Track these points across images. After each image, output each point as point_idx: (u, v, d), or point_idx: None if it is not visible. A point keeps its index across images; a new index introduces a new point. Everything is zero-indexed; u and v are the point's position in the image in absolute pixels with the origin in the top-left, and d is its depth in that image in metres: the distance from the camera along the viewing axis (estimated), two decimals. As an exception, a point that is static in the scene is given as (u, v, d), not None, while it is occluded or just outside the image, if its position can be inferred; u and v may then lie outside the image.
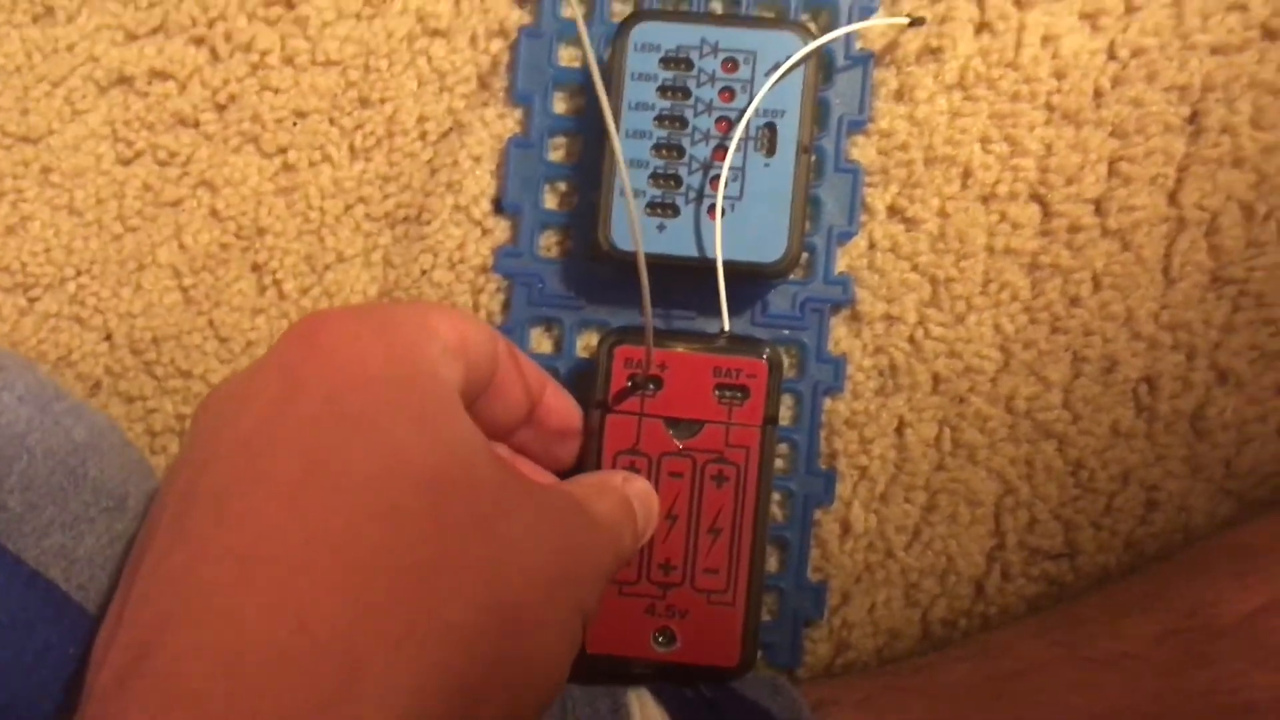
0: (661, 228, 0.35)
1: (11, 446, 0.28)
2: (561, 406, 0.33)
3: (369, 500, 0.23)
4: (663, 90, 0.35)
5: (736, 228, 0.34)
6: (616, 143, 0.31)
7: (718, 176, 0.34)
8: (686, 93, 0.35)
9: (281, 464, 0.23)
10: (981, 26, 0.37)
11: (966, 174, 0.37)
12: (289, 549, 0.22)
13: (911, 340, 0.37)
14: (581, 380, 0.36)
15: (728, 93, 0.35)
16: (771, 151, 0.34)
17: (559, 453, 0.34)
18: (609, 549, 0.29)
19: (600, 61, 0.37)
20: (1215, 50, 0.36)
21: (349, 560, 0.22)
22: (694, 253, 0.35)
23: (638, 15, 0.35)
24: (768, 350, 0.34)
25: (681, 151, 0.35)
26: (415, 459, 0.24)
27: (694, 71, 0.35)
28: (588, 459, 0.34)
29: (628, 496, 0.31)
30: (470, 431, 0.26)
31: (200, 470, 0.24)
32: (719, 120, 0.35)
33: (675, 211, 0.35)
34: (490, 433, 0.30)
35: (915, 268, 0.37)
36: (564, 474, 0.34)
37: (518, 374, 0.31)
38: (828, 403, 0.37)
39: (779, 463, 0.36)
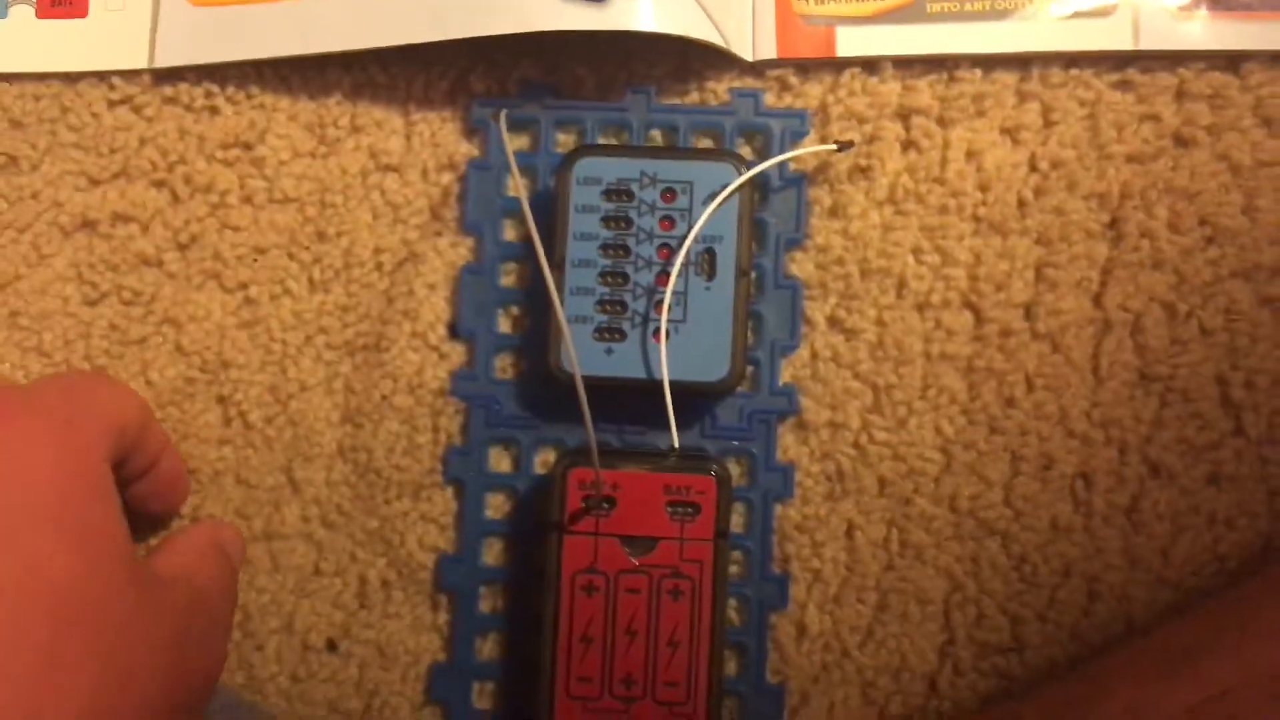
0: (610, 351, 0.36)
1: None
2: (174, 462, 0.37)
3: None
4: (606, 220, 0.36)
5: (681, 349, 0.36)
6: (550, 280, 0.33)
7: (661, 301, 0.36)
8: (629, 222, 0.36)
9: None
10: (908, 145, 0.39)
11: (901, 284, 0.38)
12: None
13: (857, 446, 0.38)
14: (541, 497, 0.38)
15: (668, 221, 0.36)
16: (712, 275, 0.36)
17: (171, 500, 0.37)
18: (221, 615, 0.33)
19: (545, 192, 0.38)
20: (1131, 159, 0.38)
21: None
22: (642, 374, 0.36)
23: (580, 151, 0.37)
24: (715, 467, 0.35)
25: (626, 278, 0.36)
26: (49, 573, 0.26)
27: (635, 202, 0.36)
28: (547, 579, 0.35)
29: (222, 548, 0.35)
30: (112, 538, 0.29)
31: None
32: (660, 247, 0.36)
33: (622, 336, 0.36)
34: (124, 482, 0.34)
35: (857, 376, 0.38)
36: (172, 516, 0.39)
37: (155, 434, 0.35)
38: (778, 509, 0.38)
39: (734, 569, 0.38)
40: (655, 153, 0.37)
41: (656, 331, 0.36)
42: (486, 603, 0.38)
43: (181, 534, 0.36)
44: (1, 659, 0.24)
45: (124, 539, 0.30)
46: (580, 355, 0.36)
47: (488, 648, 0.38)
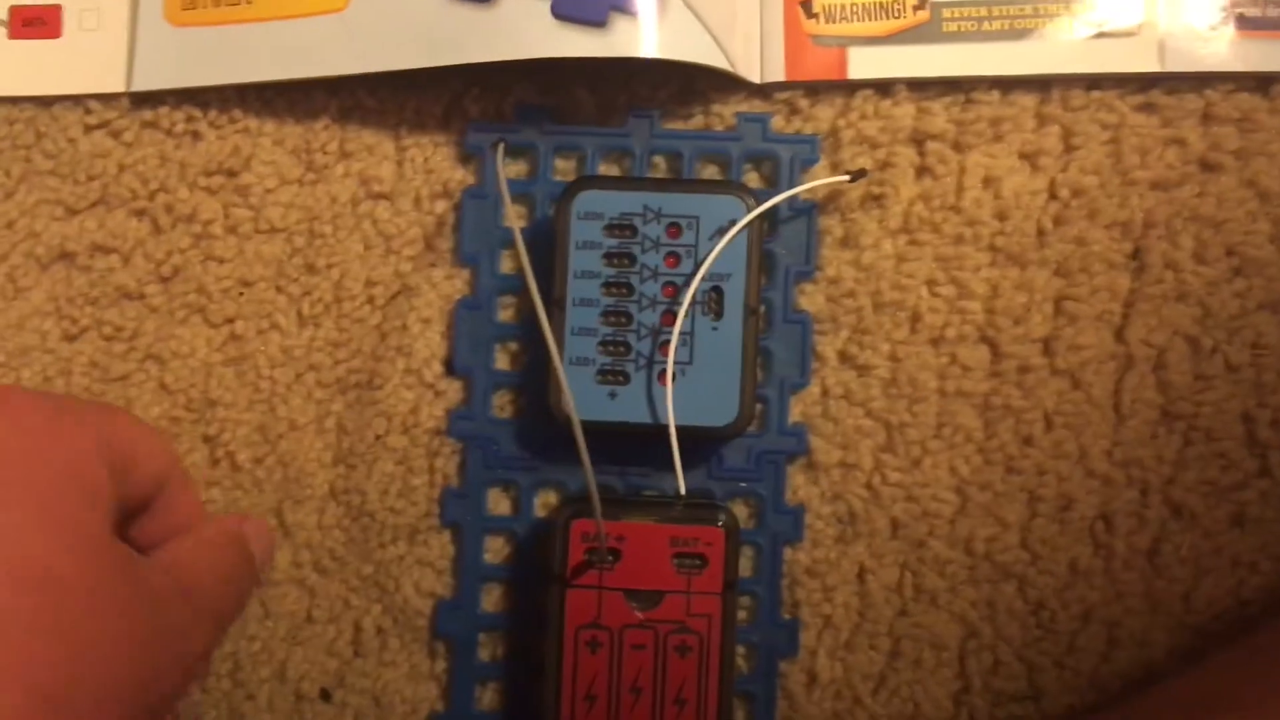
0: (613, 395, 0.35)
1: None
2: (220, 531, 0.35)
3: None
4: (608, 257, 0.35)
5: (687, 393, 0.34)
6: (547, 328, 0.31)
7: (667, 342, 0.34)
8: (632, 259, 0.35)
9: None
10: (922, 171, 0.37)
11: (915, 318, 0.37)
12: None
13: (869, 486, 0.37)
14: (542, 542, 0.36)
15: (673, 258, 0.35)
16: (719, 314, 0.34)
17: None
18: (212, 607, 0.32)
19: (544, 221, 0.37)
20: (1155, 186, 0.36)
21: None
22: (647, 419, 0.35)
23: (579, 183, 0.35)
24: (724, 516, 0.34)
25: (630, 318, 0.35)
26: (8, 544, 0.26)
27: (638, 238, 0.35)
28: (549, 635, 0.34)
29: (237, 541, 0.34)
30: (83, 519, 0.28)
31: None
32: (665, 285, 0.35)
33: (626, 379, 0.35)
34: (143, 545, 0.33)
35: (869, 414, 0.37)
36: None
37: (182, 500, 0.34)
38: (788, 552, 0.37)
39: (742, 614, 0.36)
40: (659, 185, 0.35)
41: (662, 374, 0.34)
42: (486, 650, 0.37)
43: (199, 524, 0.34)
44: None
45: (100, 520, 0.28)
46: (583, 399, 0.34)
47: (488, 697, 0.37)
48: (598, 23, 0.34)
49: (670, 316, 0.34)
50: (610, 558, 0.34)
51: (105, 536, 0.28)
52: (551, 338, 0.31)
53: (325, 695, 0.37)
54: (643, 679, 0.34)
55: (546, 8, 0.34)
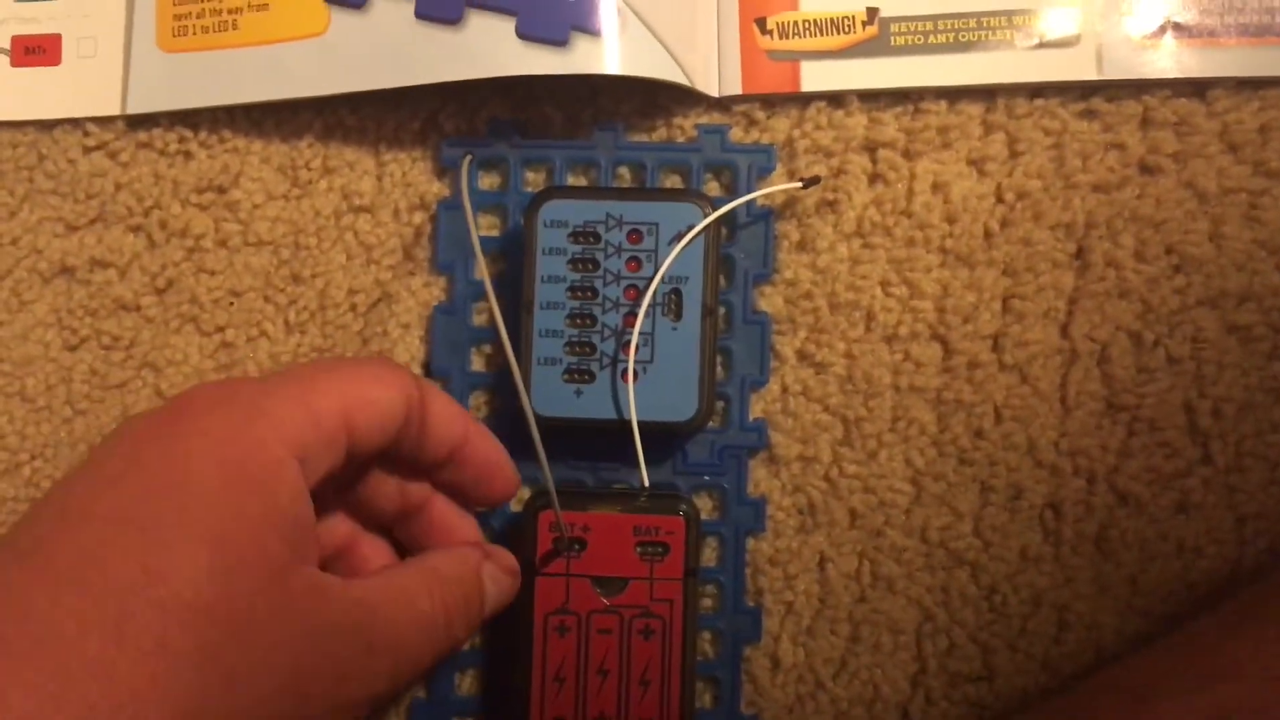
0: (579, 393, 0.36)
1: None
2: (485, 446, 0.35)
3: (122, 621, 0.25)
4: (573, 263, 0.37)
5: (649, 390, 0.36)
6: (504, 331, 0.33)
7: (629, 342, 0.36)
8: (596, 264, 0.37)
9: (62, 551, 0.25)
10: (875, 177, 0.39)
11: (870, 317, 0.38)
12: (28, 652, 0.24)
13: (827, 479, 0.38)
14: (516, 534, 0.38)
15: (634, 262, 0.37)
16: (679, 316, 0.36)
17: (485, 491, 0.35)
18: (395, 648, 0.30)
19: (516, 230, 0.39)
20: (1096, 188, 0.38)
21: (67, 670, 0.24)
22: (612, 415, 0.36)
23: (545, 193, 0.37)
24: (684, 506, 0.36)
25: (594, 320, 0.37)
26: (170, 573, 0.25)
27: (601, 244, 0.37)
28: (520, 620, 0.36)
29: (476, 584, 0.33)
30: (260, 541, 0.27)
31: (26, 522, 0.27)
32: (627, 288, 0.37)
33: (591, 377, 0.36)
34: (410, 473, 0.34)
35: (827, 409, 0.38)
36: (492, 510, 0.38)
37: (440, 416, 0.33)
38: (751, 543, 0.38)
39: (707, 602, 0.38)
40: (621, 194, 0.37)
41: (625, 373, 0.36)
42: (464, 639, 0.39)
43: (430, 553, 0.34)
44: (107, 653, 0.25)
45: (278, 542, 0.27)
46: (551, 397, 0.36)
47: (467, 683, 0.39)
48: (560, 42, 0.36)
49: (632, 318, 0.36)
50: (576, 547, 0.35)
51: (280, 557, 0.27)
52: (508, 340, 0.33)
53: (313, 684, 0.39)
54: (609, 661, 0.35)
55: (512, 29, 0.36)
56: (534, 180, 0.39)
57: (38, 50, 0.40)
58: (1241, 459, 0.37)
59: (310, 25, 0.38)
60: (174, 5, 0.40)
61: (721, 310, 0.38)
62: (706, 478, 0.38)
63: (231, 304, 0.40)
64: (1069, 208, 0.38)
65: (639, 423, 0.36)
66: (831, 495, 0.38)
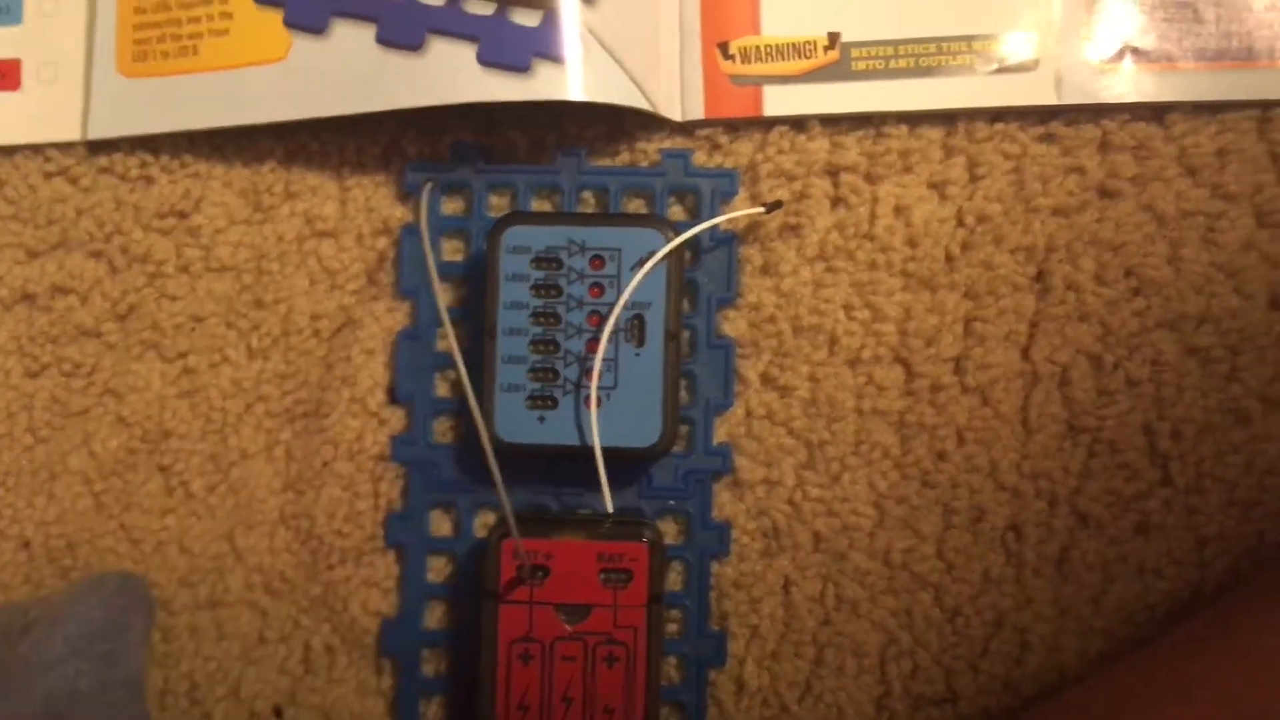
0: (542, 419, 0.36)
1: None
2: None
3: None
4: (536, 289, 0.37)
5: (613, 416, 0.36)
6: (458, 358, 0.33)
7: (592, 368, 0.36)
8: (558, 290, 0.37)
9: None
10: (837, 201, 0.39)
11: (833, 341, 0.39)
12: None
13: (791, 502, 0.39)
14: (480, 560, 0.38)
15: (597, 288, 0.37)
16: (641, 341, 0.36)
17: None
18: None
19: (479, 255, 0.39)
20: (1056, 212, 0.38)
21: None
22: (575, 441, 0.36)
23: (508, 219, 0.37)
24: (648, 533, 0.36)
25: (557, 346, 0.37)
26: None
27: (564, 269, 0.37)
28: (484, 648, 0.36)
29: None
30: None
31: None
32: (590, 314, 0.37)
33: (554, 403, 0.36)
34: None
35: (790, 433, 0.39)
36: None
37: None
38: (715, 566, 0.39)
39: (672, 627, 0.38)
40: (583, 219, 0.37)
41: (588, 399, 0.36)
42: (430, 666, 0.39)
43: None
44: None
45: None
46: (514, 424, 0.36)
47: (432, 710, 0.39)
48: (522, 68, 0.36)
49: (595, 343, 0.36)
50: (540, 574, 0.35)
51: None
52: (464, 370, 0.33)
53: (278, 713, 0.39)
54: (573, 689, 0.35)
55: (473, 55, 0.36)
56: (498, 205, 0.39)
57: (-3, 75, 0.40)
58: (1201, 480, 0.38)
59: (271, 50, 0.38)
60: (134, 30, 0.39)
61: (685, 334, 0.38)
62: (671, 502, 0.38)
63: (194, 330, 0.40)
64: (1029, 231, 0.38)
65: (603, 448, 0.36)
66: (795, 519, 0.38)
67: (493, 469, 0.33)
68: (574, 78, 0.36)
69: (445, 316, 0.34)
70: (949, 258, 0.38)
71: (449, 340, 0.33)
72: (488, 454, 0.33)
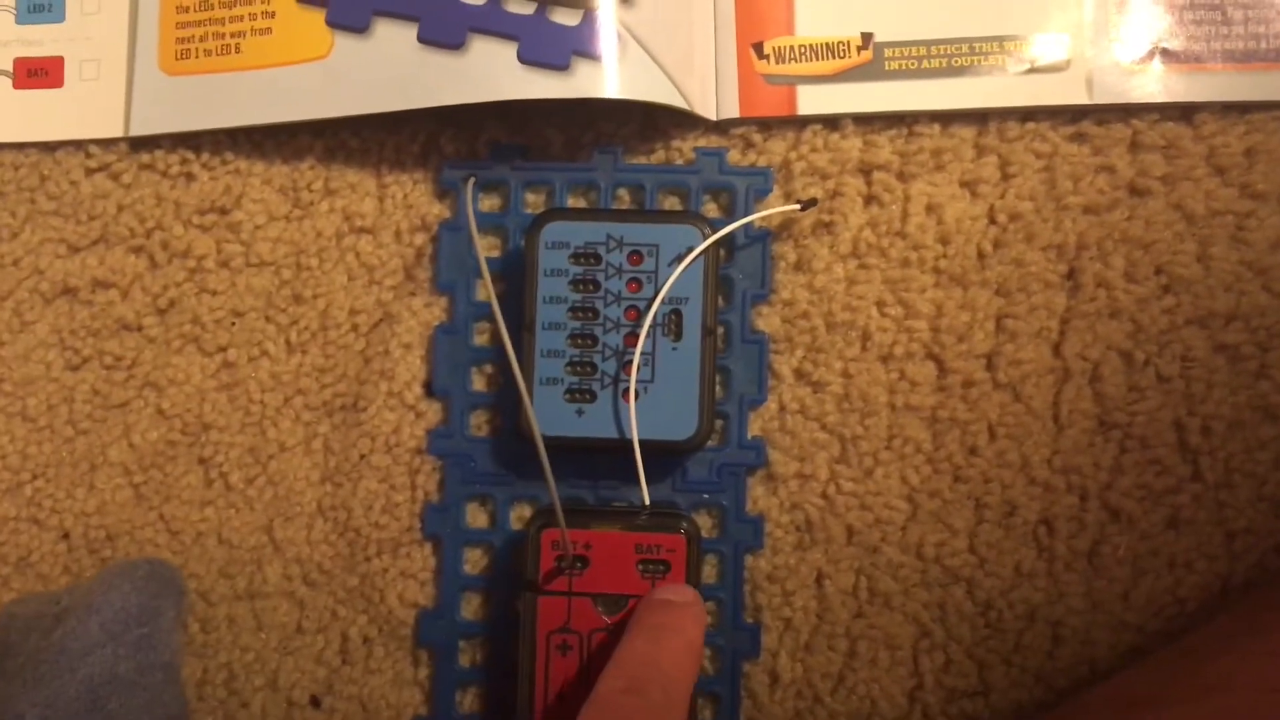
0: (580, 412, 0.37)
1: None
2: None
3: None
4: (574, 284, 0.37)
5: (650, 409, 0.37)
6: (510, 349, 0.33)
7: (630, 362, 0.37)
8: (596, 285, 0.37)
9: None
10: (870, 199, 0.39)
11: (866, 337, 0.39)
12: None
13: (824, 496, 0.39)
14: (517, 552, 0.38)
15: (635, 283, 0.37)
16: (679, 335, 0.37)
17: None
18: None
19: (516, 252, 0.39)
20: (1087, 210, 0.39)
21: None
22: (613, 434, 0.37)
23: (547, 215, 0.37)
24: (685, 524, 0.36)
25: (595, 340, 0.37)
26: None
27: (602, 265, 0.37)
28: (522, 639, 0.36)
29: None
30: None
31: None
32: (628, 309, 0.37)
33: (592, 397, 0.37)
34: None
35: (824, 427, 0.39)
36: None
37: None
38: (749, 560, 0.39)
39: (707, 619, 0.38)
40: (621, 216, 0.37)
41: (626, 392, 0.37)
42: (466, 656, 0.39)
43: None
44: None
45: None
46: (552, 417, 0.37)
47: (468, 700, 0.39)
48: (562, 66, 0.37)
49: (633, 338, 0.37)
50: (579, 564, 0.36)
51: None
52: (516, 363, 0.34)
53: (315, 702, 0.39)
54: (611, 679, 0.35)
55: (514, 53, 0.37)
56: (534, 202, 0.40)
57: (40, 72, 0.41)
58: (1230, 475, 0.38)
59: (313, 49, 0.39)
60: (177, 28, 0.40)
61: (720, 330, 0.38)
62: (706, 495, 0.39)
63: (233, 324, 0.40)
64: (1060, 229, 0.39)
65: (640, 441, 0.36)
66: (829, 512, 0.39)
67: (543, 459, 0.33)
68: (611, 76, 0.37)
69: (496, 306, 0.34)
70: (981, 255, 0.39)
71: (500, 331, 0.33)
72: (538, 445, 0.34)
